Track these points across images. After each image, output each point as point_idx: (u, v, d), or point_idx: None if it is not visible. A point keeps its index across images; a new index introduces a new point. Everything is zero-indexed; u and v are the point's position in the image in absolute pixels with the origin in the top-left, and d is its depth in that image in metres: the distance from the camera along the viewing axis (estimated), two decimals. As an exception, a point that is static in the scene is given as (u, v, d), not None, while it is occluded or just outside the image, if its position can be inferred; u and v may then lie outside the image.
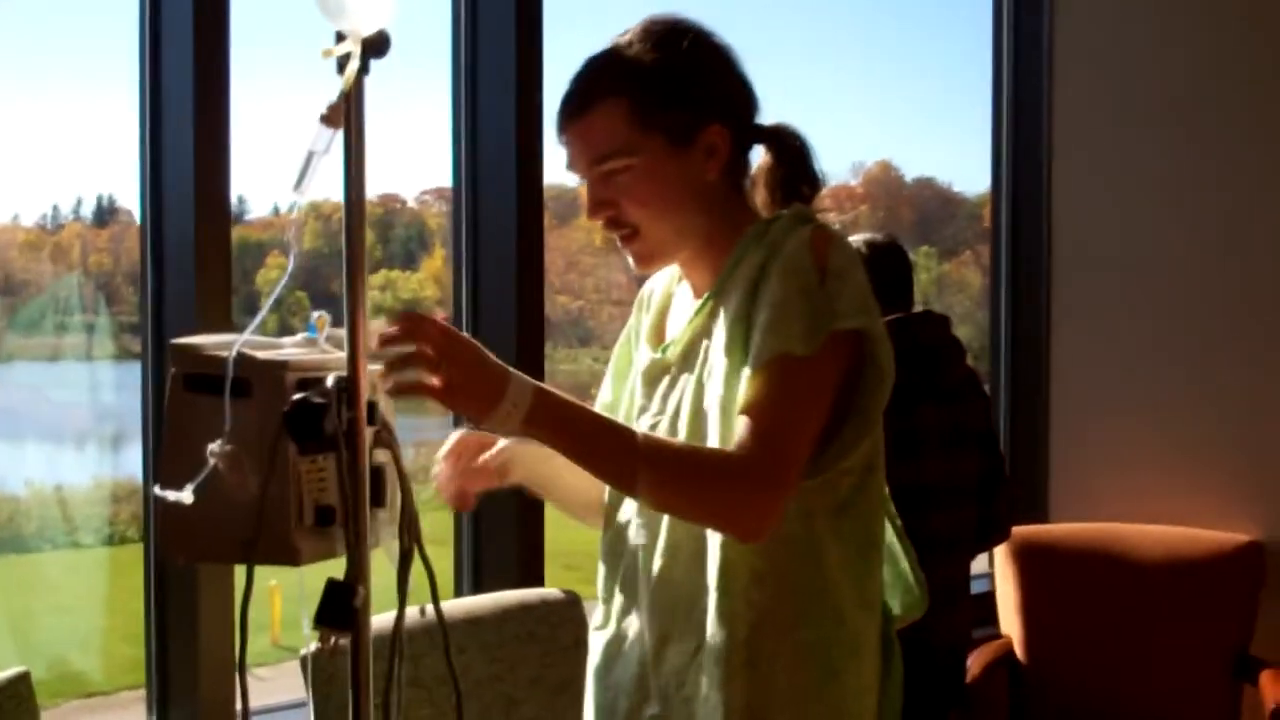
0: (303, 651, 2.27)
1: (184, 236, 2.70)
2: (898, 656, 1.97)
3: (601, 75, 1.81)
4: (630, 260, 1.88)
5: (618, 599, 1.96)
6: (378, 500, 1.61)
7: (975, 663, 3.78)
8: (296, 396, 1.51)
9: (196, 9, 2.64)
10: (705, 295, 1.87)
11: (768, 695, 1.79)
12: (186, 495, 1.58)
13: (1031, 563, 4.09)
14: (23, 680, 2.30)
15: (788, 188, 1.89)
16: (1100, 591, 4.08)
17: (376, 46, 1.56)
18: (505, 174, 3.22)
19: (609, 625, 1.98)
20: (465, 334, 1.62)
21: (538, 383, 1.63)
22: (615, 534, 1.96)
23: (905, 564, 2.04)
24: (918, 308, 3.42)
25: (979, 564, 4.20)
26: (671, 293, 2.02)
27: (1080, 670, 4.01)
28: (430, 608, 1.71)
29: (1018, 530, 4.03)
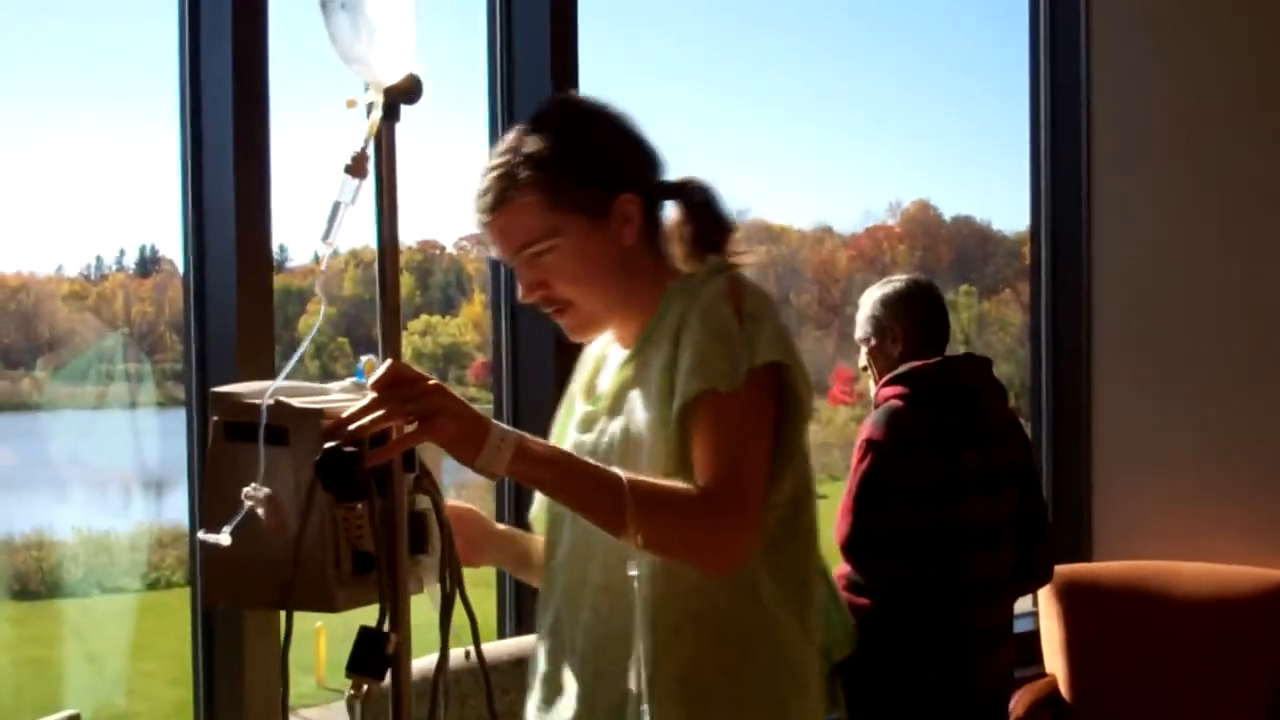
0: (348, 693, 2.27)
1: (226, 285, 2.73)
2: (839, 690, 2.04)
3: (509, 171, 1.90)
4: (568, 330, 1.99)
5: (549, 639, 2.02)
6: (419, 546, 1.61)
7: (1020, 702, 3.75)
8: (328, 445, 1.51)
9: (236, 59, 2.68)
10: (631, 350, 1.97)
11: None
12: (224, 538, 1.60)
13: (1075, 601, 4.06)
14: (71, 724, 2.32)
15: (701, 238, 1.96)
16: (1144, 629, 4.05)
17: (408, 92, 1.57)
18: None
19: (542, 664, 2.03)
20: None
21: (514, 430, 1.65)
22: (550, 573, 2.04)
23: (831, 601, 2.06)
24: (959, 349, 3.42)
25: (1023, 603, 4.17)
26: (605, 354, 2.10)
27: (1125, 708, 3.97)
28: (474, 650, 1.74)
29: (1062, 568, 4.01)
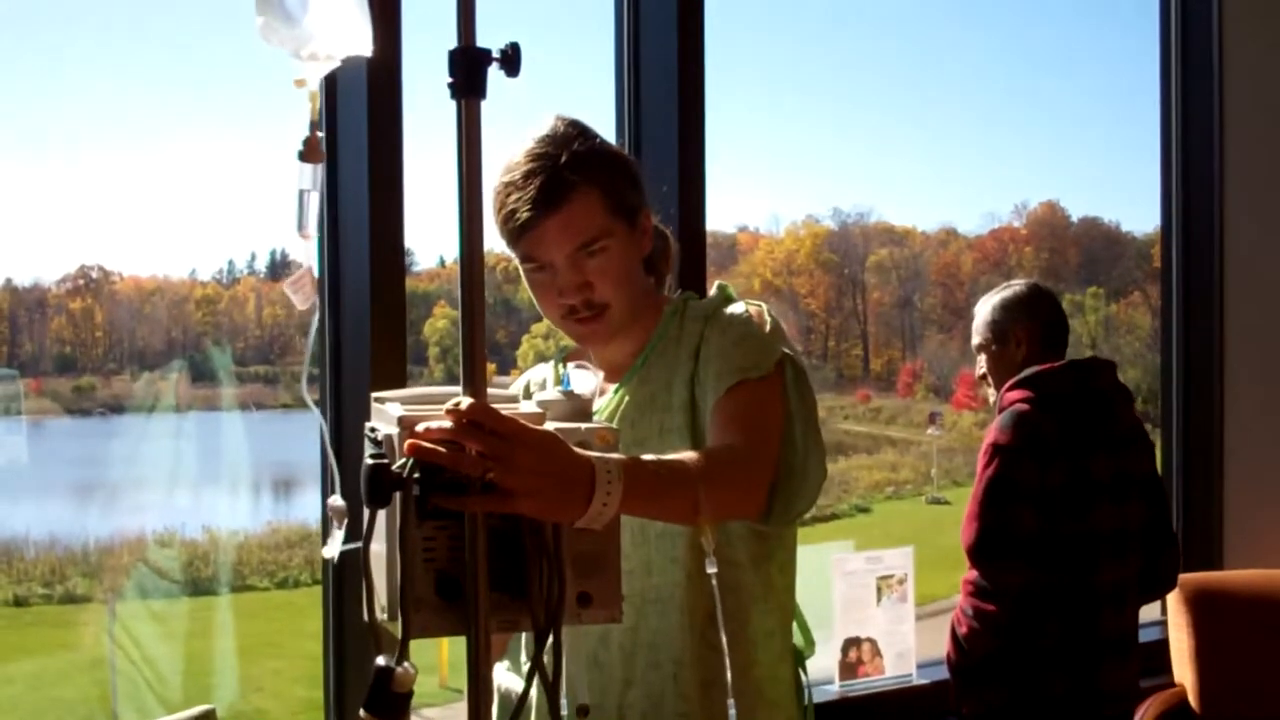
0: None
1: (360, 287, 2.78)
2: (808, 691, 2.16)
3: (572, 168, 1.91)
4: (585, 337, 2.03)
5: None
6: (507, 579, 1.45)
7: (1148, 712, 3.70)
8: (368, 458, 1.41)
9: (371, 66, 2.73)
10: (632, 368, 2.04)
11: None
12: (330, 550, 1.65)
13: (1204, 610, 3.98)
14: (208, 717, 2.39)
15: (650, 263, 2.10)
16: (1275, 639, 3.96)
17: (510, 61, 1.45)
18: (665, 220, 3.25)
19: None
20: (536, 426, 1.47)
21: (620, 458, 1.52)
22: None
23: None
24: (1086, 352, 3.38)
25: (1152, 612, 4.10)
26: (555, 381, 2.12)
27: (1255, 718, 3.89)
28: None
29: (1191, 577, 3.94)
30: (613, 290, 1.96)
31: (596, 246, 1.93)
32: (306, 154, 1.53)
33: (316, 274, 1.84)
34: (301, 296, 1.74)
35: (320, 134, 1.54)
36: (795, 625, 2.15)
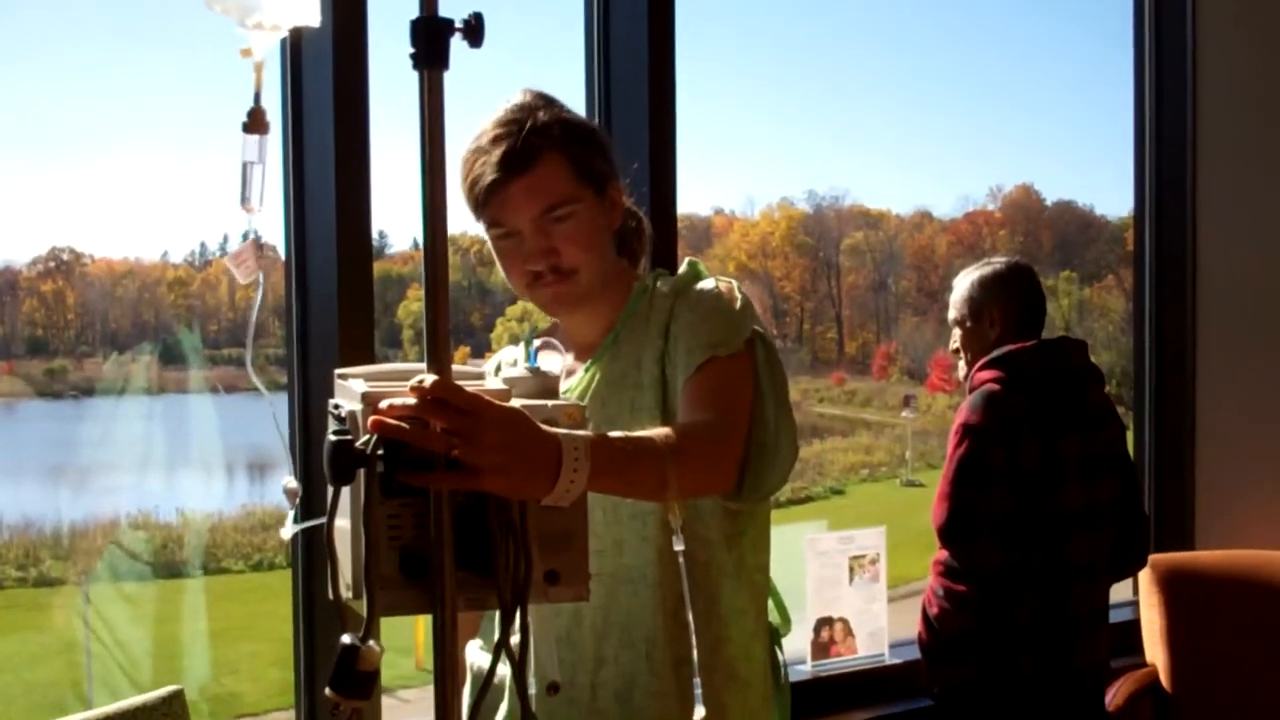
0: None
1: (327, 271, 2.77)
2: (784, 670, 2.17)
3: (538, 132, 1.94)
4: (553, 301, 2.02)
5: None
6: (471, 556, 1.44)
7: (1120, 692, 3.72)
8: (331, 434, 1.40)
9: (337, 47, 2.71)
10: (602, 345, 2.05)
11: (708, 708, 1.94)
12: (285, 532, 1.67)
13: (1177, 590, 4.00)
14: (176, 698, 2.38)
15: (624, 243, 2.14)
16: (1247, 619, 3.98)
17: (473, 31, 1.43)
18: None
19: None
20: (502, 403, 1.45)
21: (587, 434, 1.52)
22: None
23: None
24: (1058, 334, 3.39)
25: (1124, 592, 4.12)
26: (514, 362, 2.14)
27: (1226, 700, 3.91)
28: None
29: (1163, 557, 3.96)
30: (580, 255, 1.96)
31: (563, 211, 1.94)
32: (251, 125, 1.53)
33: (283, 252, 1.82)
34: (244, 271, 1.74)
35: (263, 106, 1.52)
36: (771, 603, 2.15)
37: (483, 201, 1.94)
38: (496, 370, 2.16)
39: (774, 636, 2.15)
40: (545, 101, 1.99)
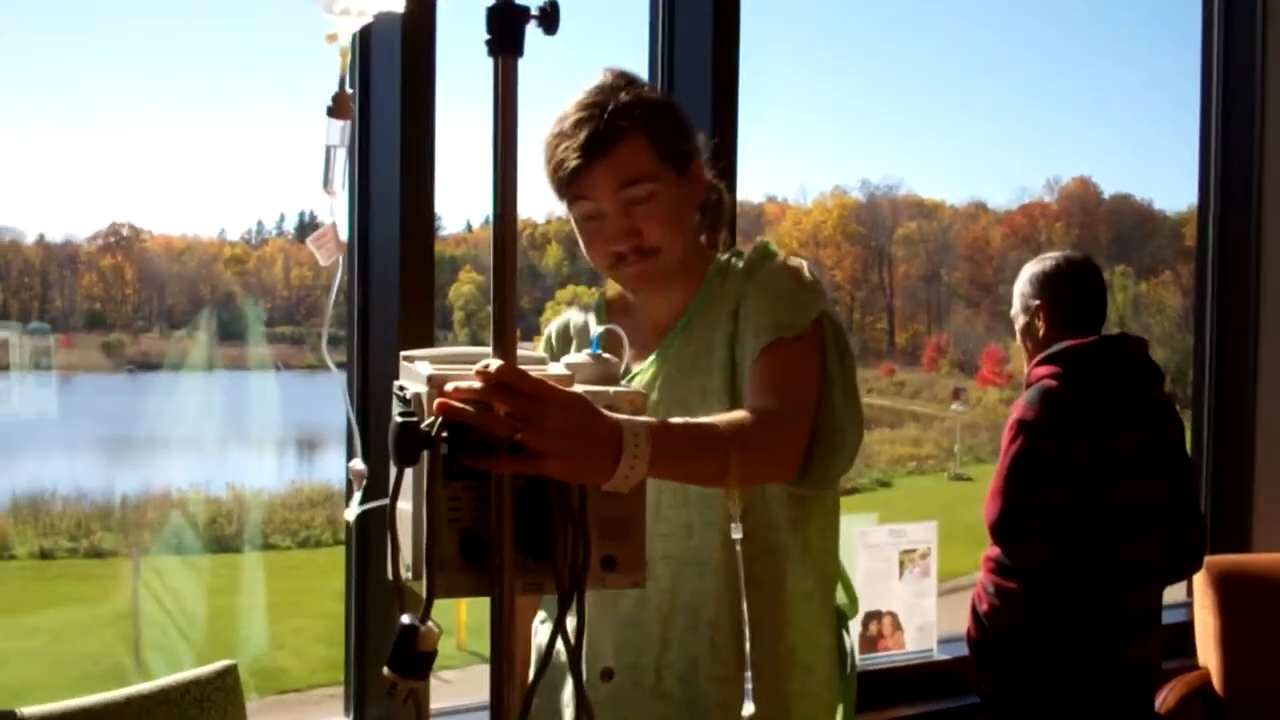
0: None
1: (390, 254, 2.77)
2: (852, 658, 2.15)
3: (620, 114, 1.93)
4: (635, 279, 2.01)
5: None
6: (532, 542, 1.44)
7: (1171, 694, 3.68)
8: (397, 415, 1.40)
9: (406, 32, 2.71)
10: (676, 325, 2.04)
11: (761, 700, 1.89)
12: (350, 513, 1.64)
13: (1231, 592, 3.95)
14: (230, 673, 2.39)
15: (704, 215, 2.10)
16: (1305, 624, 3.93)
17: (548, 19, 1.42)
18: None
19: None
20: (565, 389, 1.45)
21: (648, 421, 1.51)
22: None
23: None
24: (1113, 330, 3.35)
25: (1178, 593, 4.08)
26: (584, 325, 2.15)
27: (1279, 705, 3.87)
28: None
29: (1218, 559, 3.91)
30: (662, 234, 1.95)
31: (644, 191, 1.93)
32: (335, 110, 1.53)
33: (345, 234, 1.83)
34: (325, 253, 1.74)
35: (350, 90, 1.52)
36: (840, 586, 2.13)
37: (567, 185, 1.94)
38: (567, 330, 2.18)
39: (841, 620, 2.13)
40: (627, 81, 1.99)
